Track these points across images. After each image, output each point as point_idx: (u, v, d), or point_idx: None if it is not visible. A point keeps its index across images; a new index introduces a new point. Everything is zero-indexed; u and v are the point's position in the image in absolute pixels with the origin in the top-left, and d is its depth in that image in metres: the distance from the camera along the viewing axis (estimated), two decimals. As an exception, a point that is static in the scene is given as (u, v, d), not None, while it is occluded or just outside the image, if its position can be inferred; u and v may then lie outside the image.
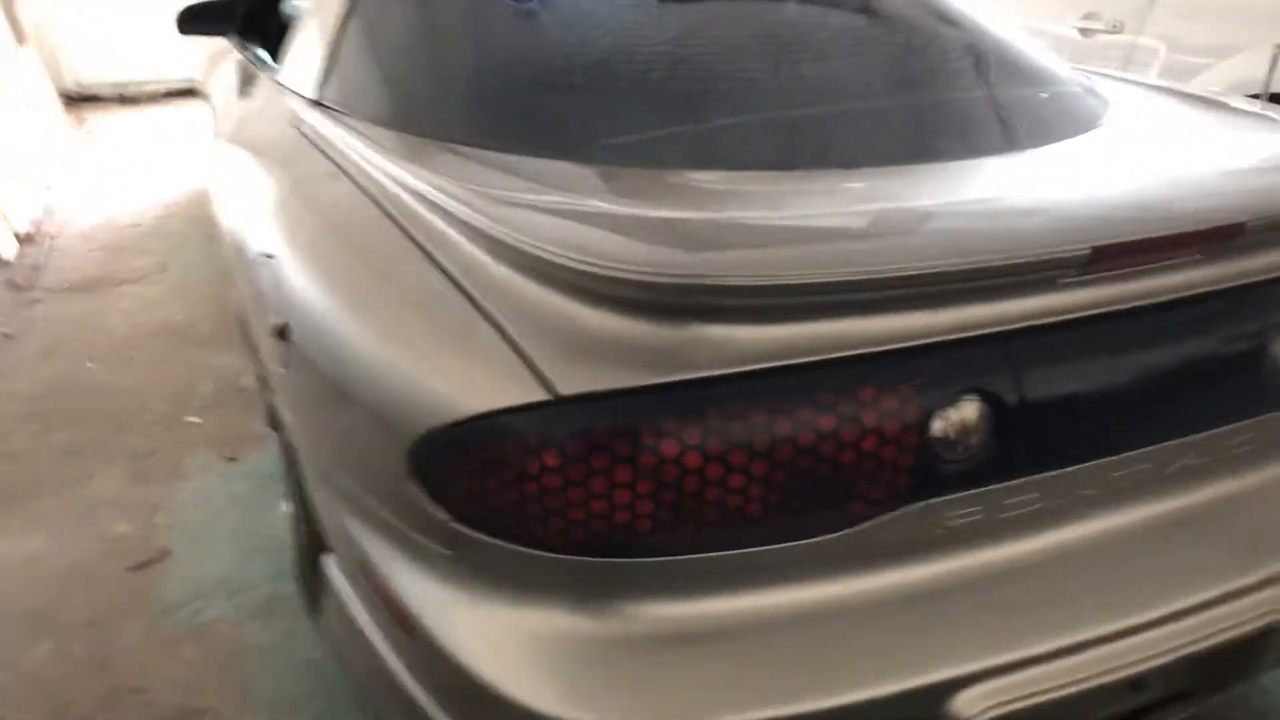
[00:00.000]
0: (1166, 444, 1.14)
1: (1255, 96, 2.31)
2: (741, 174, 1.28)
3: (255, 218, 1.57)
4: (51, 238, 4.07)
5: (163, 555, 2.04)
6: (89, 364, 2.92)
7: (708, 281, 0.91)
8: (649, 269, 0.90)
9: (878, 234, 1.09)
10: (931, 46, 1.70)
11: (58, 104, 5.94)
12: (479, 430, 0.92)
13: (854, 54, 1.61)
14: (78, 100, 6.61)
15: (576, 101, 1.43)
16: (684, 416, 0.91)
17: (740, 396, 0.93)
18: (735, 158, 1.33)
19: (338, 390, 1.11)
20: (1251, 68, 2.75)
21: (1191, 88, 1.86)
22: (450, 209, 1.10)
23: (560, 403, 0.90)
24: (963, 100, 1.55)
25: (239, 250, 1.70)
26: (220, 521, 2.15)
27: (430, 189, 1.16)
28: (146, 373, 2.86)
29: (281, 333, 1.29)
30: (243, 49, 2.60)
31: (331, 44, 1.75)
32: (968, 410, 1.00)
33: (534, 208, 1.11)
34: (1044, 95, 1.62)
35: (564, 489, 0.92)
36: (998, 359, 1.02)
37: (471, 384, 0.94)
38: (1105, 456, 1.10)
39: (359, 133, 1.45)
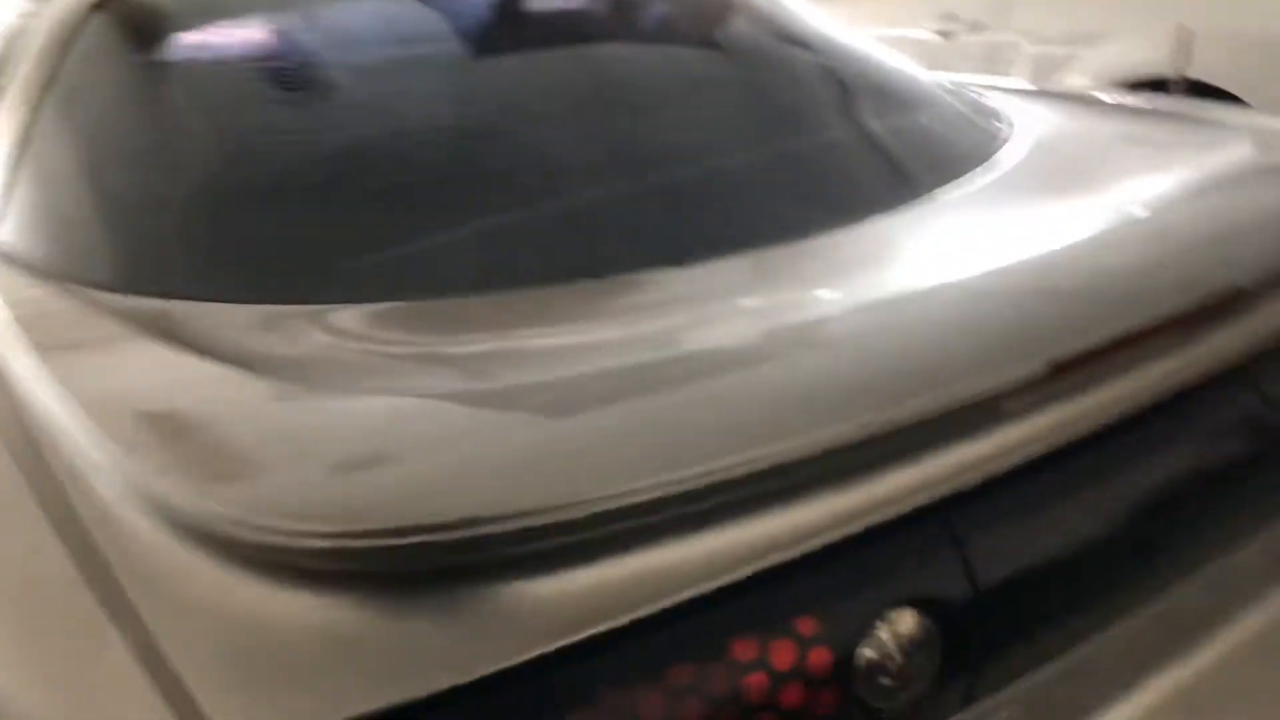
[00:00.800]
0: (1171, 591, 0.82)
1: (1155, 84, 2.09)
2: (529, 294, 0.90)
3: None
4: None
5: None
6: None
7: (483, 529, 0.55)
8: (373, 519, 0.55)
9: (741, 387, 0.72)
10: (777, 78, 1.36)
11: None
12: None
13: (670, 102, 1.23)
14: None
15: (302, 209, 1.02)
16: None
17: (539, 705, 0.56)
18: (523, 270, 0.95)
19: None
20: (1121, 53, 2.56)
21: (1099, 90, 1.57)
22: (76, 419, 0.71)
23: None
24: (825, 144, 1.21)
25: None
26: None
27: (54, 382, 0.76)
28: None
29: None
30: None
31: (14, 153, 1.31)
32: (905, 625, 0.66)
33: (198, 400, 0.73)
34: (925, 120, 1.29)
35: None
36: (934, 544, 0.69)
37: None
38: (1103, 631, 0.77)
39: (13, 287, 1.03)
